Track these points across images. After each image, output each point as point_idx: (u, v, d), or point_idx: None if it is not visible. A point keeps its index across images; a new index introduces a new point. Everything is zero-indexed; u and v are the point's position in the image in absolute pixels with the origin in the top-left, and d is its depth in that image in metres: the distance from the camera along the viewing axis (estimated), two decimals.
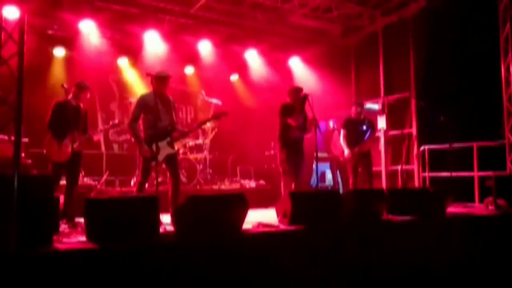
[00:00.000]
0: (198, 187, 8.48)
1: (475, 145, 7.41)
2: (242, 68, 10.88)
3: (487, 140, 7.35)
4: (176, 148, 5.64)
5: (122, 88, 10.16)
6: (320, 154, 6.58)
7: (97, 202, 3.84)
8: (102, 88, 9.90)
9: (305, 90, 6.46)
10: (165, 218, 4.60)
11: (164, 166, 5.60)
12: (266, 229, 4.47)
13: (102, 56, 9.47)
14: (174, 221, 4.12)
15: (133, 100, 7.12)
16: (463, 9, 7.87)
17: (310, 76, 10.33)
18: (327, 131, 9.78)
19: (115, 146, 10.04)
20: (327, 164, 9.74)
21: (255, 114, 11.26)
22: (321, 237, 4.52)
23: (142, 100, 5.52)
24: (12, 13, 5.44)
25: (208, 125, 9.21)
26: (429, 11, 8.49)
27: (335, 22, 9.50)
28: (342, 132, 7.18)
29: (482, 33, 7.77)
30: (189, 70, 10.78)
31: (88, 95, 5.94)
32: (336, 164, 9.54)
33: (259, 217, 5.05)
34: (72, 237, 4.06)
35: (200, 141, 9.10)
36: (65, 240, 3.83)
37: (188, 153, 8.83)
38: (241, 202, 4.32)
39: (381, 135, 7.32)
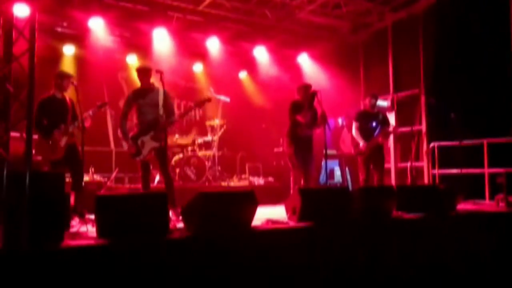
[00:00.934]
0: (206, 184, 8.50)
1: (485, 141, 7.34)
2: (250, 65, 10.87)
3: (498, 136, 7.27)
4: (161, 141, 5.46)
5: (131, 85, 10.17)
6: (329, 151, 6.54)
7: (108, 198, 3.86)
8: (111, 86, 9.94)
9: (314, 87, 6.46)
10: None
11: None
12: (276, 226, 4.48)
13: (111, 54, 9.52)
14: (184, 217, 4.14)
15: None
16: (473, 4, 7.79)
17: (318, 73, 10.29)
18: (336, 128, 9.75)
19: (124, 143, 10.05)
20: (336, 161, 9.71)
21: (263, 111, 11.26)
22: (331, 234, 4.52)
23: (129, 98, 5.68)
24: (22, 11, 5.48)
25: (217, 122, 9.24)
26: (438, 7, 8.41)
27: (344, 18, 9.45)
28: (354, 124, 7.05)
29: (492, 29, 7.69)
30: (198, 67, 10.80)
31: (74, 82, 5.63)
32: (345, 161, 9.51)
33: (268, 214, 5.05)
34: (83, 233, 4.09)
35: (209, 138, 9.12)
36: (76, 236, 3.86)
37: (197, 150, 8.85)
38: (250, 199, 4.33)
39: (391, 133, 7.26)
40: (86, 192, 5.82)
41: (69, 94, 5.79)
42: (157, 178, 8.11)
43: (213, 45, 9.78)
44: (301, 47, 10.58)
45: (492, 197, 7.07)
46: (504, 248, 5.62)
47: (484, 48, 7.75)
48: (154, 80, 5.88)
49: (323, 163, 6.56)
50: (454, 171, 7.62)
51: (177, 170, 8.40)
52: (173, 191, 5.36)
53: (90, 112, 5.69)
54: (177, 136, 8.98)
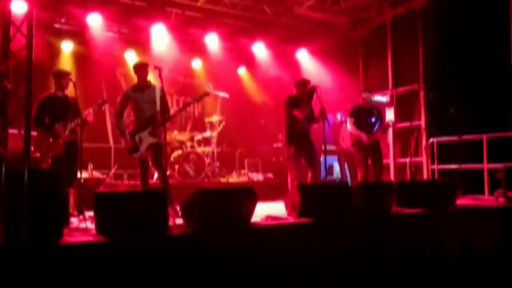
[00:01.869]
0: (206, 180, 8.50)
1: (484, 137, 7.34)
2: (249, 61, 10.85)
3: (497, 132, 7.27)
4: (159, 137, 5.48)
5: (130, 81, 10.12)
6: (328, 147, 6.53)
7: (107, 195, 3.85)
8: (109, 82, 9.92)
9: (313, 83, 6.42)
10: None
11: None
12: (275, 222, 4.47)
13: (109, 50, 9.49)
14: (183, 213, 4.13)
15: None
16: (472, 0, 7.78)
17: (317, 68, 10.27)
18: (334, 123, 9.74)
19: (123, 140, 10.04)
20: (335, 157, 9.71)
21: (262, 107, 11.25)
22: (330, 229, 4.52)
23: (125, 95, 5.67)
24: (20, 7, 5.45)
25: (216, 118, 9.22)
26: (438, 2, 8.39)
27: (342, 14, 9.42)
28: (349, 120, 6.98)
29: (492, 24, 7.68)
30: (196, 63, 10.78)
31: (72, 79, 5.64)
32: (344, 157, 9.51)
33: (267, 210, 5.05)
34: (82, 230, 4.08)
35: (207, 134, 9.10)
36: (75, 233, 3.85)
37: (196, 146, 8.84)
38: (249, 195, 4.32)
39: (390, 127, 7.25)
40: (85, 188, 5.80)
41: (68, 91, 5.76)
42: (156, 175, 8.09)
43: (212, 41, 9.75)
44: (300, 42, 10.56)
45: (491, 192, 7.08)
46: (503, 243, 5.63)
47: (483, 43, 7.74)
48: (153, 76, 5.87)
49: (322, 159, 6.56)
50: (454, 166, 7.62)
51: (176, 167, 8.39)
52: (169, 188, 5.27)
53: (91, 110, 5.68)
54: (176, 132, 8.97)
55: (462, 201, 6.34)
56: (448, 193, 5.86)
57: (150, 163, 5.57)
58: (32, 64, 3.27)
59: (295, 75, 10.08)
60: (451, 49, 8.16)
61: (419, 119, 8.79)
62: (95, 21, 8.55)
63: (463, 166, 7.42)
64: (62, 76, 5.64)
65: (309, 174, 6.26)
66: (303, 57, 10.74)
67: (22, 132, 3.23)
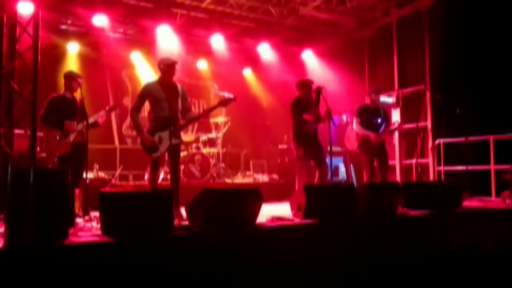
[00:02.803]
0: (211, 181, 8.50)
1: (491, 138, 7.29)
2: (254, 61, 10.85)
3: (504, 133, 7.22)
4: (180, 138, 5.40)
5: (135, 82, 10.19)
6: (333, 148, 6.49)
7: (112, 195, 3.84)
8: (115, 83, 9.95)
9: (318, 83, 6.38)
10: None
11: (166, 157, 5.45)
12: (281, 223, 4.45)
13: (115, 51, 9.52)
14: (188, 214, 4.12)
15: None
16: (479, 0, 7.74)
17: (323, 69, 10.25)
18: (340, 124, 9.71)
19: (129, 140, 10.09)
20: (341, 158, 9.68)
21: (267, 108, 11.24)
22: (336, 230, 4.50)
23: (146, 89, 5.35)
24: (26, 8, 5.46)
25: (221, 119, 9.22)
26: (444, 2, 8.34)
27: (348, 14, 9.39)
28: (356, 120, 6.90)
29: (499, 24, 7.63)
30: (202, 64, 10.79)
31: (80, 82, 5.67)
32: (350, 158, 9.47)
33: (273, 211, 5.03)
34: (87, 230, 4.08)
35: (213, 135, 9.10)
36: (80, 233, 3.85)
37: (202, 147, 8.84)
38: (255, 196, 4.31)
39: (396, 129, 7.21)
40: (91, 189, 5.80)
41: (76, 92, 5.80)
42: (161, 175, 8.11)
43: (217, 42, 9.76)
44: (305, 43, 10.54)
45: (498, 194, 7.02)
46: (510, 245, 5.58)
47: (490, 43, 7.69)
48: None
49: (328, 160, 6.53)
50: (460, 167, 7.57)
51: (182, 167, 8.38)
52: (178, 192, 5.19)
53: (102, 113, 5.76)
54: (181, 133, 8.96)
55: (469, 203, 6.30)
56: (455, 194, 5.82)
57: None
58: (38, 64, 3.28)
59: (300, 76, 10.06)
60: (458, 50, 8.10)
61: (425, 120, 8.74)
62: (101, 22, 8.58)
63: (470, 167, 7.37)
64: (71, 79, 5.68)
65: (316, 175, 6.24)
66: (309, 57, 10.72)
67: (28, 132, 3.23)
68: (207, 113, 6.11)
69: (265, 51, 10.38)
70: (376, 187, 5.46)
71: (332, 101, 6.05)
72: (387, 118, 7.08)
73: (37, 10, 3.45)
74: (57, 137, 5.49)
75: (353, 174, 9.50)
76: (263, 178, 9.53)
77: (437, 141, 8.25)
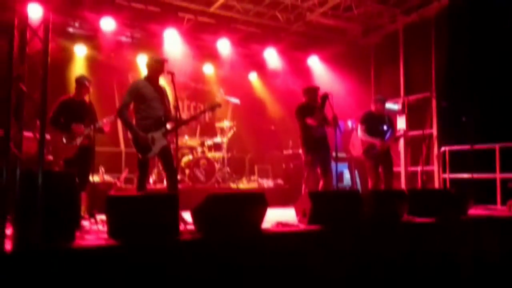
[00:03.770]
0: (216, 185, 8.50)
1: (497, 146, 7.27)
2: (260, 67, 10.88)
3: (510, 141, 7.20)
4: (171, 139, 5.15)
5: None
6: (338, 154, 6.48)
7: (118, 199, 3.87)
8: (122, 86, 9.97)
9: (324, 90, 6.40)
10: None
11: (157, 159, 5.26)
12: (286, 229, 4.46)
13: (122, 54, 9.57)
14: (194, 219, 4.13)
15: None
16: (485, 7, 7.73)
17: (329, 75, 10.27)
18: (345, 131, 9.71)
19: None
20: (345, 164, 9.66)
21: (273, 113, 11.26)
22: (341, 237, 4.50)
23: (136, 87, 5.12)
24: (34, 11, 5.52)
25: (226, 124, 9.23)
26: (451, 10, 8.35)
27: (355, 21, 9.42)
28: (360, 127, 6.88)
29: (505, 32, 7.62)
30: (208, 68, 10.81)
31: (90, 88, 5.70)
32: (355, 164, 9.46)
33: (277, 216, 5.03)
34: (94, 233, 4.10)
35: (218, 139, 9.12)
36: (87, 236, 3.87)
37: (207, 152, 8.86)
38: (260, 201, 4.32)
39: (401, 136, 7.20)
40: (96, 192, 5.82)
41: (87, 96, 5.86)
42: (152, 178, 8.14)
43: (224, 46, 9.79)
44: (312, 49, 10.57)
45: (504, 202, 6.99)
46: None
47: (496, 51, 7.68)
48: (165, 81, 5.85)
49: (333, 166, 6.53)
50: (465, 175, 7.55)
51: (187, 172, 8.40)
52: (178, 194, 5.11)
53: (108, 119, 5.78)
54: (186, 137, 8.99)
55: (474, 211, 6.27)
56: (460, 202, 5.80)
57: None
58: (48, 68, 3.31)
59: (306, 82, 10.08)
60: (464, 57, 8.10)
61: (431, 127, 8.73)
62: (108, 25, 8.63)
63: (475, 175, 7.35)
64: (81, 85, 5.71)
65: (321, 183, 6.25)
66: (315, 63, 10.74)
67: (37, 135, 3.26)
68: (194, 118, 5.76)
69: (271, 57, 10.41)
70: (381, 194, 5.46)
71: (337, 107, 6.06)
72: (392, 125, 7.08)
73: (47, 14, 3.48)
74: (64, 140, 5.51)
75: (357, 181, 9.49)
76: (267, 183, 9.53)
77: (442, 149, 8.24)
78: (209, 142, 9.06)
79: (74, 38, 9.19)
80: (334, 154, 6.07)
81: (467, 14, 8.00)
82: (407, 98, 9.17)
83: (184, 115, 7.12)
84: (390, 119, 7.15)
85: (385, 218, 5.01)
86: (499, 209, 6.90)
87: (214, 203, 4.03)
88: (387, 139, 6.83)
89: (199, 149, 8.86)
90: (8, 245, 3.13)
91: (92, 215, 4.80)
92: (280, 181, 9.65)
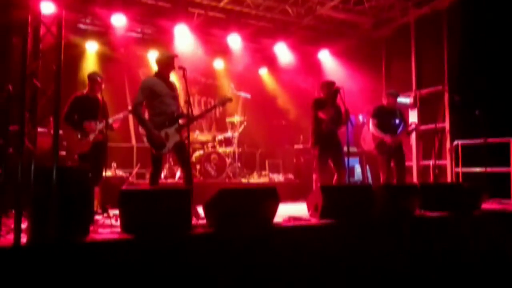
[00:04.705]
0: (227, 180, 8.53)
1: (511, 140, 7.19)
2: (271, 61, 10.85)
3: None
4: (184, 135, 5.18)
5: None
6: (350, 149, 6.46)
7: (132, 193, 3.90)
8: (132, 82, 10.02)
9: (336, 84, 6.39)
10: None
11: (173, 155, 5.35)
12: (297, 223, 4.47)
13: (133, 50, 9.61)
14: (206, 213, 4.15)
15: None
16: None
17: (339, 69, 10.21)
18: (356, 125, 9.67)
19: (145, 139, 10.13)
20: (356, 159, 9.63)
21: (283, 108, 11.24)
22: (353, 231, 4.50)
23: (147, 85, 5.14)
24: (46, 8, 5.55)
25: (237, 119, 9.24)
26: (463, 2, 8.25)
27: (366, 14, 9.34)
28: (372, 121, 6.85)
29: None
30: (219, 63, 10.82)
31: (102, 84, 5.74)
32: (366, 159, 9.43)
33: (289, 210, 5.04)
34: (107, 227, 4.14)
35: (229, 134, 9.13)
36: (100, 230, 3.91)
37: (217, 147, 8.88)
38: (272, 196, 4.33)
39: (414, 130, 7.15)
40: (109, 187, 5.87)
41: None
42: (178, 173, 8.17)
43: (234, 41, 9.77)
44: (322, 43, 10.51)
45: None
46: None
47: (510, 43, 7.58)
48: (176, 76, 5.88)
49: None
50: (478, 169, 7.49)
51: (198, 167, 8.44)
52: (192, 188, 4.95)
53: (121, 115, 5.84)
54: (197, 132, 9.02)
55: (488, 205, 6.22)
56: (473, 197, 5.76)
57: (172, 163, 5.47)
58: (61, 64, 3.33)
59: (317, 76, 10.05)
60: (477, 50, 8.00)
61: (443, 121, 8.66)
62: (119, 21, 8.66)
63: (489, 169, 7.28)
64: (94, 81, 5.75)
65: (335, 177, 6.23)
66: (325, 57, 10.68)
67: (51, 130, 3.29)
68: (206, 112, 6.01)
69: (282, 51, 10.37)
70: (393, 189, 5.44)
71: (348, 101, 6.04)
72: (404, 119, 7.04)
73: (60, 11, 3.52)
74: (78, 136, 5.57)
75: (369, 175, 9.45)
76: (278, 178, 9.53)
77: (455, 143, 8.17)
78: (220, 137, 9.08)
79: (85, 34, 9.24)
80: (345, 148, 6.06)
81: (479, 6, 7.89)
82: (419, 92, 9.10)
83: (195, 110, 7.15)
84: (401, 113, 7.10)
85: (397, 212, 5.00)
86: None
87: (227, 197, 4.05)
88: (398, 133, 6.79)
89: (210, 144, 8.88)
90: (23, 239, 3.17)
91: (105, 210, 4.85)
92: (291, 176, 9.65)
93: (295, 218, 4.63)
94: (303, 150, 9.40)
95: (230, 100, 5.72)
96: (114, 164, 7.95)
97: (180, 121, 5.21)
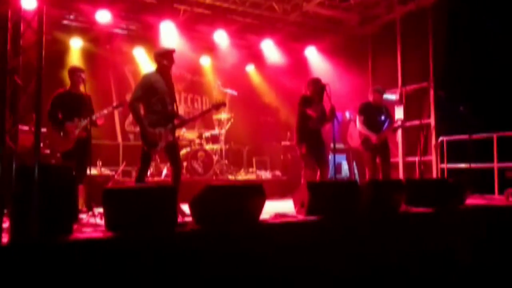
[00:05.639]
0: (214, 177, 8.50)
1: (495, 135, 7.28)
2: (257, 58, 10.84)
3: (508, 130, 7.20)
4: (175, 135, 5.23)
5: (138, 79, 10.16)
6: (336, 145, 6.48)
7: (116, 191, 3.86)
8: (118, 79, 9.95)
9: (323, 81, 6.38)
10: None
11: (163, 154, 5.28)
12: (284, 219, 4.46)
13: (118, 47, 9.52)
14: (192, 210, 4.13)
15: None
16: None
17: (326, 66, 10.24)
18: (343, 122, 9.69)
19: (131, 137, 10.08)
20: (343, 155, 9.67)
21: (270, 104, 11.24)
22: (339, 227, 4.50)
23: (148, 80, 5.07)
24: (29, 3, 5.45)
25: (224, 116, 9.22)
26: None
27: (352, 11, 9.37)
28: (359, 118, 6.87)
29: (503, 21, 7.60)
30: (205, 60, 10.77)
31: (83, 76, 5.56)
32: (353, 155, 9.47)
33: (276, 207, 5.04)
34: (91, 226, 4.09)
35: (216, 131, 9.10)
36: (84, 229, 3.86)
37: (204, 144, 8.84)
38: (258, 193, 4.31)
39: (399, 127, 7.19)
40: (94, 185, 5.81)
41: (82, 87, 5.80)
42: (164, 171, 8.13)
43: (220, 38, 9.73)
44: (309, 40, 10.52)
45: (501, 192, 7.00)
46: None
47: (494, 40, 7.66)
48: None
49: (331, 157, 6.52)
50: (463, 165, 7.56)
51: (185, 164, 8.39)
52: (179, 188, 4.95)
53: (105, 111, 5.76)
54: (184, 130, 8.98)
55: (472, 200, 6.29)
56: (458, 192, 5.81)
57: (159, 161, 5.45)
58: (42, 60, 3.28)
59: (303, 73, 10.05)
60: (462, 47, 8.08)
61: (429, 117, 8.73)
62: (103, 17, 8.56)
63: (473, 165, 7.36)
64: (74, 73, 5.64)
65: (318, 174, 6.23)
66: (312, 54, 10.70)
67: (32, 128, 3.24)
68: (200, 116, 6.08)
69: (268, 48, 10.37)
70: (379, 184, 5.46)
71: (335, 97, 6.04)
72: (390, 115, 7.07)
73: (41, 5, 3.45)
74: (61, 133, 5.48)
75: (355, 171, 9.50)
76: (265, 174, 9.54)
77: (440, 139, 8.24)
78: (207, 134, 9.05)
79: (69, 30, 9.13)
80: (332, 145, 6.07)
81: (464, 3, 7.96)
82: (405, 88, 9.16)
83: (181, 108, 7.11)
84: (387, 109, 7.13)
85: (383, 208, 5.01)
86: (496, 199, 6.92)
87: (213, 194, 4.02)
88: (384, 130, 6.82)
89: (197, 141, 8.84)
90: (5, 238, 3.12)
91: (90, 208, 4.79)
92: (278, 173, 9.66)
93: (282, 215, 4.62)
94: (290, 147, 9.41)
95: (224, 104, 5.70)
96: (99, 162, 7.87)
97: (175, 122, 5.20)
